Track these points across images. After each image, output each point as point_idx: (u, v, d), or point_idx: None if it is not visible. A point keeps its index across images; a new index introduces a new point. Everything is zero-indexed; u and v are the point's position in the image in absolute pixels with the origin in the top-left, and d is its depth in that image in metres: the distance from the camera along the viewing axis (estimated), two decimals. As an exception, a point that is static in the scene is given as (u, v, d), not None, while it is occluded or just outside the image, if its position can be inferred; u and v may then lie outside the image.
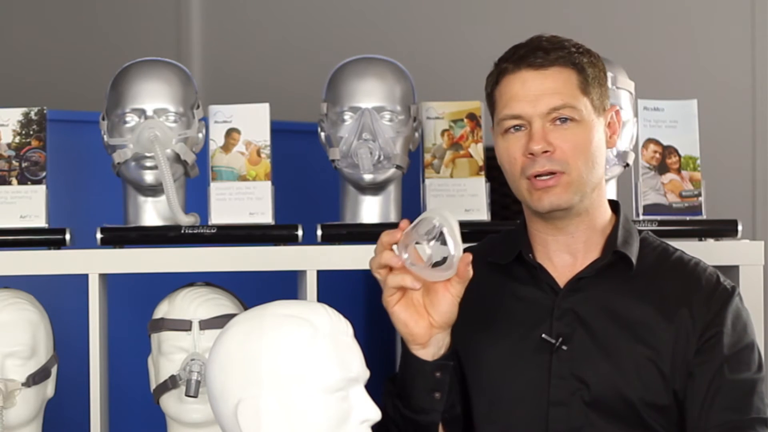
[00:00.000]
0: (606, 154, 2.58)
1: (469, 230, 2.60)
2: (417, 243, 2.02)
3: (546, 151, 2.11)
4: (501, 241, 2.30)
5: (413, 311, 2.08)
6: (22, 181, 2.63)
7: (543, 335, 2.16)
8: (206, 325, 2.43)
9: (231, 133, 2.67)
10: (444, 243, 2.01)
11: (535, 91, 2.13)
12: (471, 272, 2.05)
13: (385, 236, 2.06)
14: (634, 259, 2.18)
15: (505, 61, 2.16)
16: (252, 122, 2.68)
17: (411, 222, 2.04)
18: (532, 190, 2.14)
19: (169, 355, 2.45)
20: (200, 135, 2.67)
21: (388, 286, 2.06)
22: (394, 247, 2.04)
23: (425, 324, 2.08)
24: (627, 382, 2.13)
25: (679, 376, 2.14)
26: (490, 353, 2.20)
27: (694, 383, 2.13)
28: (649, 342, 2.14)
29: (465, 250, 2.31)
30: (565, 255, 2.20)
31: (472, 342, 2.20)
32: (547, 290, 2.19)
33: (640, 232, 2.26)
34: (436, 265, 2.02)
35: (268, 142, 2.66)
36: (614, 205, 2.26)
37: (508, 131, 2.15)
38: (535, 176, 2.13)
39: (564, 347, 2.15)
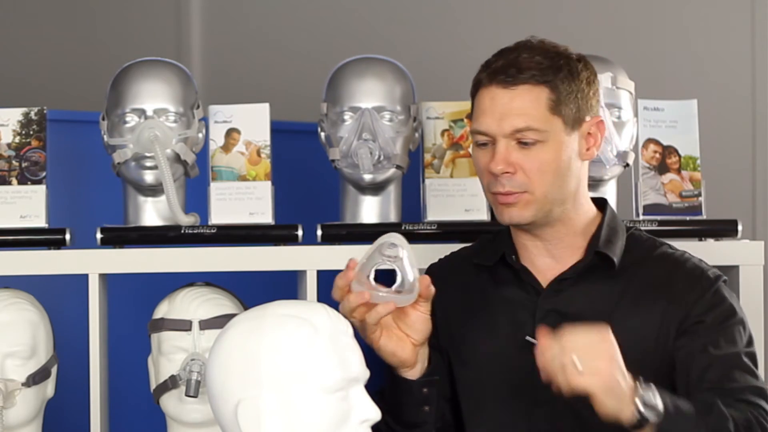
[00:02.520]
0: (606, 154, 2.60)
1: (469, 230, 2.60)
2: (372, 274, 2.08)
3: (506, 172, 2.12)
4: (489, 243, 2.31)
5: (396, 339, 2.13)
6: (22, 181, 2.63)
7: (527, 337, 2.14)
8: (206, 325, 2.43)
9: (231, 133, 2.67)
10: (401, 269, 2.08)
11: (501, 109, 2.11)
12: (433, 290, 2.10)
13: (339, 280, 2.10)
14: (616, 259, 2.17)
15: (484, 69, 2.15)
16: (252, 122, 2.68)
17: (358, 259, 2.09)
18: (496, 204, 2.17)
19: (169, 355, 2.45)
20: (200, 135, 2.67)
21: (368, 325, 2.09)
22: (355, 285, 2.07)
23: (410, 347, 2.13)
24: None
25: (665, 370, 2.12)
26: (477, 356, 2.21)
27: (679, 366, 2.11)
28: (632, 341, 2.11)
29: (461, 250, 2.32)
30: (546, 258, 2.21)
31: (461, 345, 2.22)
32: (531, 291, 2.20)
33: (629, 228, 2.25)
34: (397, 289, 2.08)
35: (268, 142, 2.66)
36: (601, 202, 2.25)
37: (478, 144, 2.17)
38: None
39: None
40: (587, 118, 2.16)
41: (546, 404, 2.14)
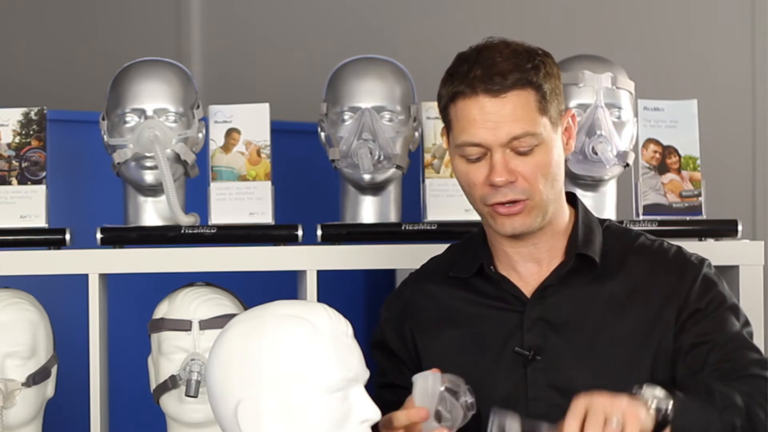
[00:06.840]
0: (606, 154, 2.59)
1: (469, 230, 2.60)
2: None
3: (510, 182, 2.06)
4: (461, 252, 2.25)
5: None
6: (22, 181, 2.63)
7: (516, 348, 2.13)
8: (206, 325, 2.43)
9: (231, 133, 2.67)
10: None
11: (494, 118, 2.04)
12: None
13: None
14: (597, 258, 2.14)
15: (460, 80, 2.07)
16: (252, 122, 2.68)
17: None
18: (495, 215, 2.10)
19: (169, 355, 2.45)
20: (200, 135, 2.67)
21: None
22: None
23: None
24: (607, 385, 2.02)
25: (662, 366, 2.10)
26: (469, 375, 2.10)
27: (683, 359, 2.09)
28: (625, 340, 2.11)
29: (431, 262, 2.28)
30: (529, 264, 2.16)
31: (452, 366, 2.15)
32: (514, 302, 2.15)
33: (602, 222, 2.22)
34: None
35: (268, 142, 2.66)
36: (571, 197, 2.21)
37: (466, 157, 2.09)
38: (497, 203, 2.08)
39: (538, 358, 2.11)
40: (563, 112, 2.13)
41: (541, 417, 2.10)
